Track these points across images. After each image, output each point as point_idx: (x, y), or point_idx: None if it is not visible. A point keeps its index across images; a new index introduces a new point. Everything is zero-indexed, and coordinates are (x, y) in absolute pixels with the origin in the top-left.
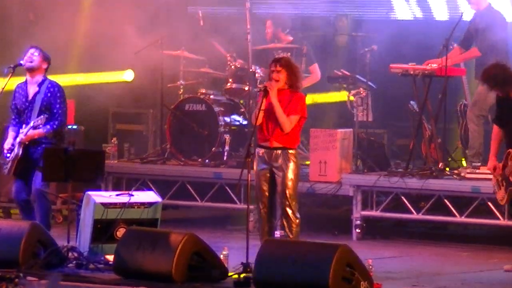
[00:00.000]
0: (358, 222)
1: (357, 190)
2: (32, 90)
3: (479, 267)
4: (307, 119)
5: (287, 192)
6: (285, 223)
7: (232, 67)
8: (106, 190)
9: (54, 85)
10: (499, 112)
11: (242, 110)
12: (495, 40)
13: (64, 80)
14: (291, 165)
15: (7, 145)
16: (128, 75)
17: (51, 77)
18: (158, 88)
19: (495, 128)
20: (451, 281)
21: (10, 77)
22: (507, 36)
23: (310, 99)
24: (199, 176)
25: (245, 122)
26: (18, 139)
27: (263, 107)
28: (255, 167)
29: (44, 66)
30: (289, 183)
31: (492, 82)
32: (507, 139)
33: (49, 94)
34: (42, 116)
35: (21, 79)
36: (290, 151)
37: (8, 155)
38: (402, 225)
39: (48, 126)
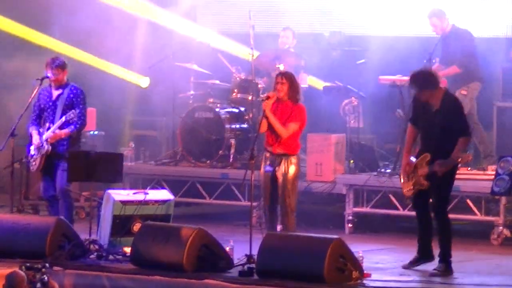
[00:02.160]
0: (350, 217)
1: (349, 188)
2: (56, 92)
3: (460, 257)
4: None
5: (286, 192)
6: (283, 218)
7: (237, 78)
8: (124, 189)
9: (77, 88)
10: (414, 114)
11: (246, 117)
12: (468, 55)
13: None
14: (291, 169)
15: (35, 141)
16: (144, 82)
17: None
18: (170, 97)
19: (410, 128)
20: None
21: (38, 88)
22: (476, 50)
23: None
24: (208, 176)
25: (248, 128)
26: (44, 137)
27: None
28: (261, 168)
29: (65, 73)
30: (289, 185)
31: (414, 85)
32: (422, 141)
33: (71, 95)
34: (73, 110)
35: None
36: (292, 157)
37: (33, 152)
38: (390, 220)
39: (72, 127)
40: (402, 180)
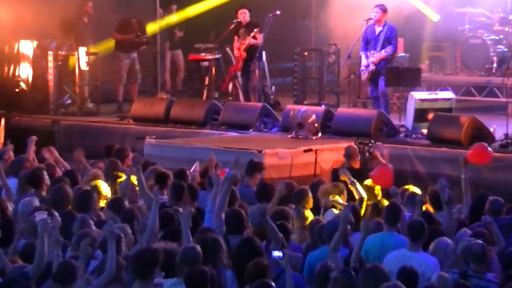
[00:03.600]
0: None
1: None
2: (378, 29)
3: None
4: None
5: None
6: None
7: (498, 15)
8: (422, 91)
9: (392, 27)
10: None
11: (504, 42)
12: None
13: None
14: None
15: (364, 62)
16: (435, 17)
17: None
18: (452, 28)
19: None
20: None
21: (365, 26)
22: None
23: None
24: (478, 82)
25: (504, 51)
26: (371, 59)
27: None
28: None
29: (384, 16)
30: None
31: None
32: None
33: (388, 32)
34: (386, 43)
35: None
36: None
37: (363, 68)
38: None
39: (388, 51)
40: None
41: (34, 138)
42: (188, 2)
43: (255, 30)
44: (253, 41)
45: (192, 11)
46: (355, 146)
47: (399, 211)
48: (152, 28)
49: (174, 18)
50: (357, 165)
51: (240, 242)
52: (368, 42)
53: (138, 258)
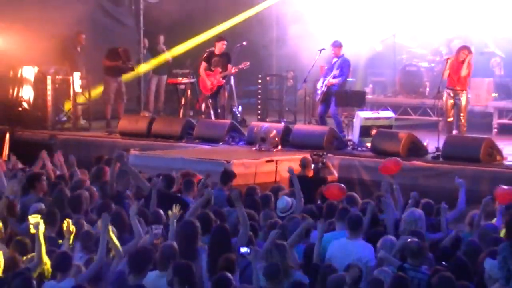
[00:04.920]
0: (496, 125)
1: (495, 109)
2: (334, 60)
3: None
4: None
5: (462, 112)
6: (458, 127)
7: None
8: (366, 110)
9: (346, 60)
10: None
11: (436, 69)
12: None
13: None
14: (464, 98)
15: (319, 85)
16: (378, 47)
17: None
18: (392, 58)
19: None
20: None
21: (318, 56)
22: None
23: None
24: (414, 103)
25: (436, 75)
26: (325, 83)
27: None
28: (444, 98)
29: (340, 50)
30: (462, 107)
31: None
32: None
33: (341, 62)
34: (337, 70)
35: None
36: (464, 91)
37: (319, 92)
38: None
39: (340, 79)
40: None
41: (45, 153)
42: (173, 34)
43: (241, 66)
44: (235, 71)
45: (179, 49)
46: (310, 157)
47: (347, 212)
48: (144, 68)
49: (167, 55)
50: (310, 173)
51: (214, 228)
52: (327, 71)
53: (135, 256)
